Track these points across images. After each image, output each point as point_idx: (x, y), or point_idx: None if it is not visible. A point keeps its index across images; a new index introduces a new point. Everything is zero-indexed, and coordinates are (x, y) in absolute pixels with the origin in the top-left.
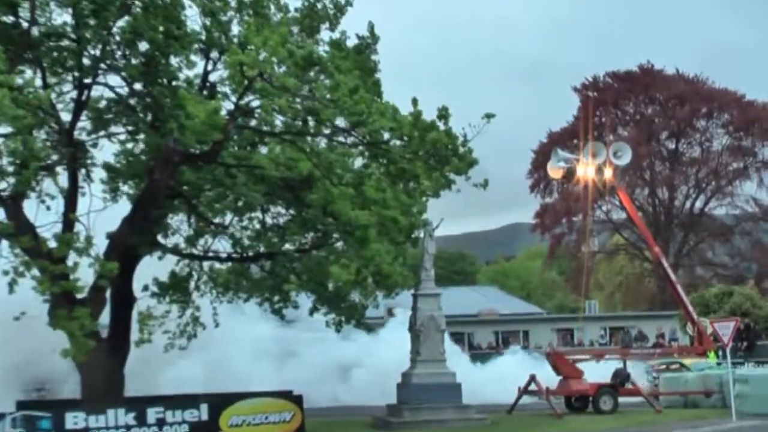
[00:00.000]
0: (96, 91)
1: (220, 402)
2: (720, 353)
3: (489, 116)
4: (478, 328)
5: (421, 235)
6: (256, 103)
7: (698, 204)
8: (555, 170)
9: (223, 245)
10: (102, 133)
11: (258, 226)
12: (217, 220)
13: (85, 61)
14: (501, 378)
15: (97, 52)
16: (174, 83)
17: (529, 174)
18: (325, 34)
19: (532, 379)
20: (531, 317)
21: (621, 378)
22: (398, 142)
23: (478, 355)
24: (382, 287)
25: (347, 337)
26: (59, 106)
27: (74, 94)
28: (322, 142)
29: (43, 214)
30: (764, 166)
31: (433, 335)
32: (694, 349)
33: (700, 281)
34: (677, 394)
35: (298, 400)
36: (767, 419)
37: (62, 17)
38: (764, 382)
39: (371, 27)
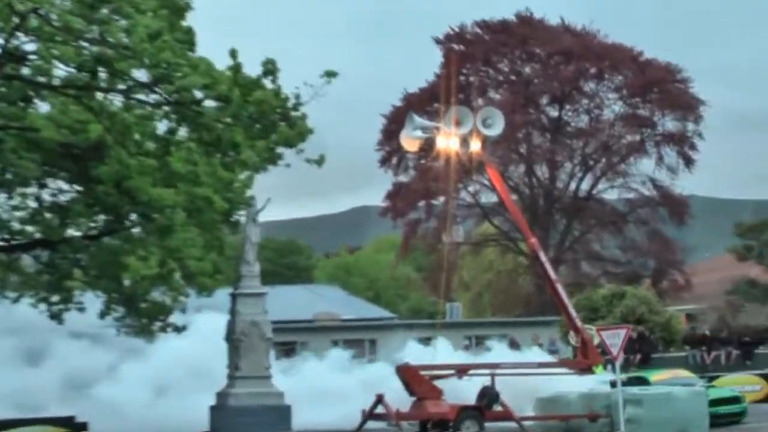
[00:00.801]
0: None
1: None
2: (609, 367)
3: (330, 74)
4: (314, 337)
5: (243, 219)
6: (30, 47)
7: (585, 185)
8: (410, 141)
9: None
10: None
11: (32, 206)
12: None
13: None
14: (342, 397)
15: None
16: None
17: (378, 145)
18: None
19: (380, 399)
20: (379, 323)
21: (489, 398)
22: (214, 103)
23: None
24: (192, 284)
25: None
26: None
27: None
28: (117, 100)
29: None
30: (665, 140)
31: (256, 345)
32: (578, 363)
33: (586, 280)
34: (556, 418)
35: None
36: None
37: None
38: (660, 403)
39: None
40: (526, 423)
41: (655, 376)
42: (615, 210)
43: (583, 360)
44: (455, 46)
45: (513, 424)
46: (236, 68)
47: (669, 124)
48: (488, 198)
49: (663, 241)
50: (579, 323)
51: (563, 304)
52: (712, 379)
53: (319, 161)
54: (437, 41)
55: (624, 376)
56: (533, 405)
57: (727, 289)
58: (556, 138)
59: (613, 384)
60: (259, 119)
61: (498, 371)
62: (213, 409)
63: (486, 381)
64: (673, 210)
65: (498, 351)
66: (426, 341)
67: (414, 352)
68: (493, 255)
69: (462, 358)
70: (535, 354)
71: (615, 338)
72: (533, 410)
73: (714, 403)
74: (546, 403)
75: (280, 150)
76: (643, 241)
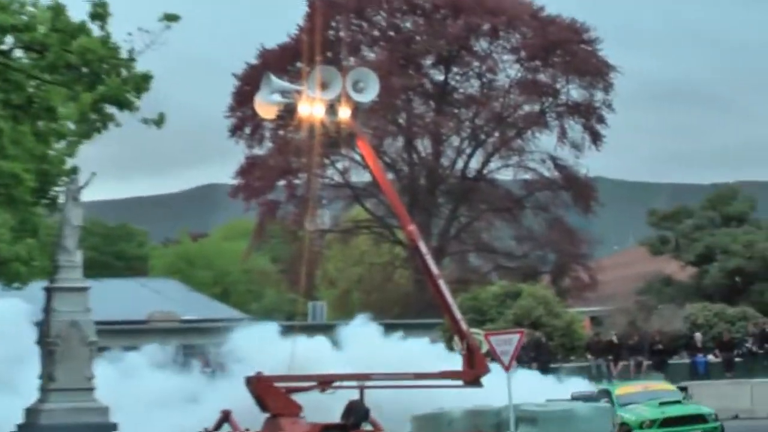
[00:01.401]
0: None
1: None
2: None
3: (170, 18)
4: (148, 340)
5: (62, 198)
6: None
7: (474, 164)
8: (266, 107)
9: None
10: None
11: None
12: None
13: None
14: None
15: None
16: None
17: (229, 112)
18: None
19: (226, 417)
20: (228, 325)
21: (356, 415)
22: (25, 54)
23: None
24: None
25: None
26: None
27: None
28: None
29: None
30: (569, 112)
31: (76, 351)
32: (463, 374)
33: (474, 276)
34: None
35: None
36: None
37: None
38: (558, 422)
39: None
40: None
41: (621, 388)
42: (509, 193)
43: (469, 370)
44: None
45: None
46: (57, 9)
47: (574, 92)
48: (360, 177)
49: (565, 230)
50: (465, 327)
51: (446, 304)
52: None
53: (159, 121)
54: None
55: (593, 389)
56: (411, 423)
57: (638, 288)
58: (441, 107)
59: (588, 398)
60: (84, 75)
61: (368, 383)
62: (21, 428)
63: (354, 395)
64: (578, 194)
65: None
66: None
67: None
68: (364, 245)
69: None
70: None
71: (506, 345)
72: (410, 430)
73: (667, 423)
74: (424, 422)
75: (110, 110)
76: (541, 231)
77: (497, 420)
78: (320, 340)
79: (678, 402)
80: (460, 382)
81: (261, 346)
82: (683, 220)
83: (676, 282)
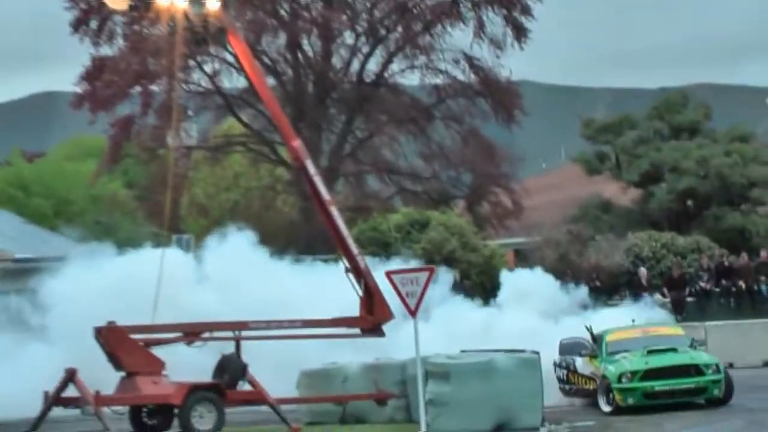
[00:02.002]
0: None
1: None
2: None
3: None
4: None
5: None
6: None
7: (373, 65)
8: None
9: None
10: None
11: None
12: None
13: None
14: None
15: None
16: None
17: (69, 1)
18: None
19: (71, 376)
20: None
21: (231, 373)
22: None
23: None
24: None
25: None
26: None
27: None
28: None
29: None
30: (488, 1)
31: None
32: (360, 321)
33: (374, 201)
34: (327, 400)
35: None
36: None
37: None
38: (476, 376)
39: None
40: (287, 407)
41: (614, 333)
42: (416, 101)
43: (367, 316)
44: None
45: (267, 409)
46: None
47: None
48: (233, 82)
49: (483, 146)
50: (363, 264)
51: (340, 236)
52: None
53: None
54: None
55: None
56: (297, 381)
57: (571, 216)
58: None
59: (576, 345)
60: None
61: (246, 332)
62: None
63: (229, 347)
64: (498, 102)
65: None
66: None
67: None
68: (240, 165)
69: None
70: None
71: (413, 285)
72: (297, 388)
73: (650, 376)
74: (315, 379)
75: None
76: (454, 147)
77: (402, 376)
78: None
79: (672, 350)
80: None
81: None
82: (625, 132)
83: (617, 207)
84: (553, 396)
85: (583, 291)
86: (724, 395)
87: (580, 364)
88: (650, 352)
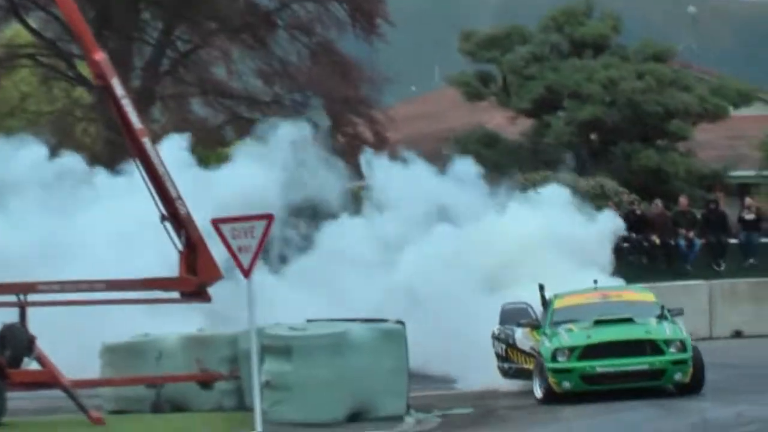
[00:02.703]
0: None
1: None
2: None
3: None
4: None
5: None
6: None
7: None
8: None
9: None
10: None
11: None
12: None
13: None
14: None
15: None
16: None
17: None
18: None
19: None
20: None
21: (13, 347)
22: None
23: None
24: None
25: None
26: None
27: None
28: None
29: None
30: None
31: None
32: (179, 283)
33: (199, 131)
34: (134, 382)
35: None
36: None
37: None
38: (324, 353)
39: None
40: (86, 392)
41: (565, 298)
42: (253, 6)
43: (189, 277)
44: None
45: (61, 393)
46: None
47: None
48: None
49: (338, 63)
50: (184, 210)
51: (155, 175)
52: None
53: None
54: None
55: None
56: (100, 358)
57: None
58: None
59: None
60: None
61: (33, 296)
62: None
63: (12, 316)
64: (357, 8)
65: None
66: None
67: None
68: (27, 84)
69: None
70: None
71: (247, 237)
72: (101, 366)
73: (591, 353)
74: (121, 355)
75: None
76: (302, 64)
77: (233, 351)
78: None
79: (627, 321)
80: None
81: None
82: (514, 47)
83: (503, 141)
84: (490, 377)
85: None
86: (692, 380)
87: (520, 336)
88: (598, 322)
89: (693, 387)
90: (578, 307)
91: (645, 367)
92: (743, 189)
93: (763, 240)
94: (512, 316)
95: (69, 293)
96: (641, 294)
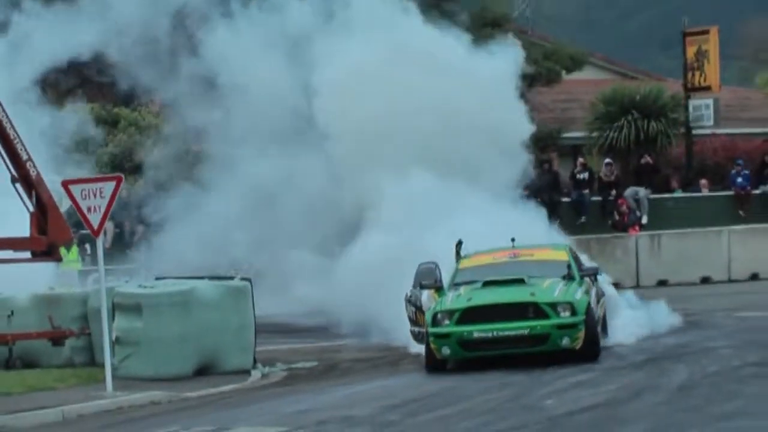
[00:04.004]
0: None
1: None
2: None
3: None
4: None
5: None
6: None
7: None
8: None
9: None
10: None
11: None
12: None
13: None
14: None
15: None
16: None
17: None
18: None
19: None
20: None
21: None
22: None
23: None
24: None
25: None
26: None
27: None
28: None
29: None
30: None
31: None
32: (30, 242)
33: (50, 93)
34: None
35: None
36: (177, 387)
37: None
38: (173, 310)
39: None
40: None
41: (472, 258)
42: None
43: (39, 236)
44: None
45: None
46: None
47: None
48: None
49: None
50: (34, 172)
51: (4, 137)
52: None
53: None
54: None
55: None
56: None
57: None
58: None
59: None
60: None
61: None
62: None
63: None
64: None
65: None
66: None
67: None
68: None
69: None
70: None
71: (96, 198)
72: None
73: (470, 317)
74: None
75: None
76: None
77: (83, 309)
78: None
79: (517, 282)
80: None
81: None
82: None
83: None
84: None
85: None
86: (584, 346)
87: (425, 299)
88: (487, 283)
89: (585, 353)
90: (483, 267)
91: (525, 331)
92: (576, 150)
93: (594, 198)
94: (423, 277)
95: None
96: (555, 252)
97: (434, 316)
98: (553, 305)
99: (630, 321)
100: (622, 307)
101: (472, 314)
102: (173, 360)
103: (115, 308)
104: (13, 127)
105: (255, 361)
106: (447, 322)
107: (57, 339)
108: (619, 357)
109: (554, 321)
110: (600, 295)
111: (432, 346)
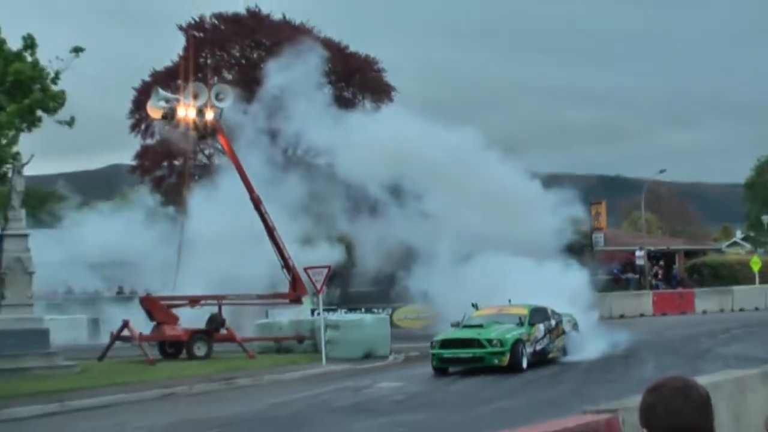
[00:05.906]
0: None
1: None
2: (315, 299)
3: (77, 50)
4: None
5: (10, 173)
6: None
7: None
8: (154, 110)
9: None
10: None
11: None
12: None
13: None
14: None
15: None
16: None
17: (130, 114)
18: None
19: (125, 324)
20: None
21: (215, 323)
22: None
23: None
24: None
25: None
26: None
27: None
28: None
29: None
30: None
31: (20, 278)
32: (288, 296)
33: None
34: (271, 339)
35: None
36: (355, 363)
37: None
38: (353, 328)
39: None
40: (246, 344)
41: (481, 311)
42: None
43: (293, 292)
44: (196, 33)
45: (236, 345)
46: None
47: (368, 105)
48: (221, 159)
49: None
50: (292, 262)
51: (279, 248)
52: None
53: (71, 122)
54: (180, 28)
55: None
56: (252, 329)
57: None
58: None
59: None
60: (18, 87)
61: (224, 301)
62: None
63: (214, 310)
64: None
65: None
66: None
67: None
68: None
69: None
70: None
71: (319, 275)
72: (253, 333)
73: (445, 344)
74: (263, 328)
75: (39, 114)
76: None
77: (312, 327)
78: None
79: (478, 327)
80: (286, 301)
81: None
82: None
83: None
84: None
85: None
86: (509, 364)
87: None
88: (465, 326)
89: (511, 368)
90: (480, 315)
91: (470, 355)
92: None
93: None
94: (458, 320)
95: (240, 300)
96: (521, 309)
97: (431, 342)
98: (489, 340)
99: (590, 345)
100: (586, 338)
101: (446, 343)
102: (353, 350)
103: (326, 326)
104: (281, 240)
105: (390, 352)
106: (435, 346)
107: (300, 340)
108: (543, 369)
109: (488, 349)
110: (560, 333)
111: (432, 360)
